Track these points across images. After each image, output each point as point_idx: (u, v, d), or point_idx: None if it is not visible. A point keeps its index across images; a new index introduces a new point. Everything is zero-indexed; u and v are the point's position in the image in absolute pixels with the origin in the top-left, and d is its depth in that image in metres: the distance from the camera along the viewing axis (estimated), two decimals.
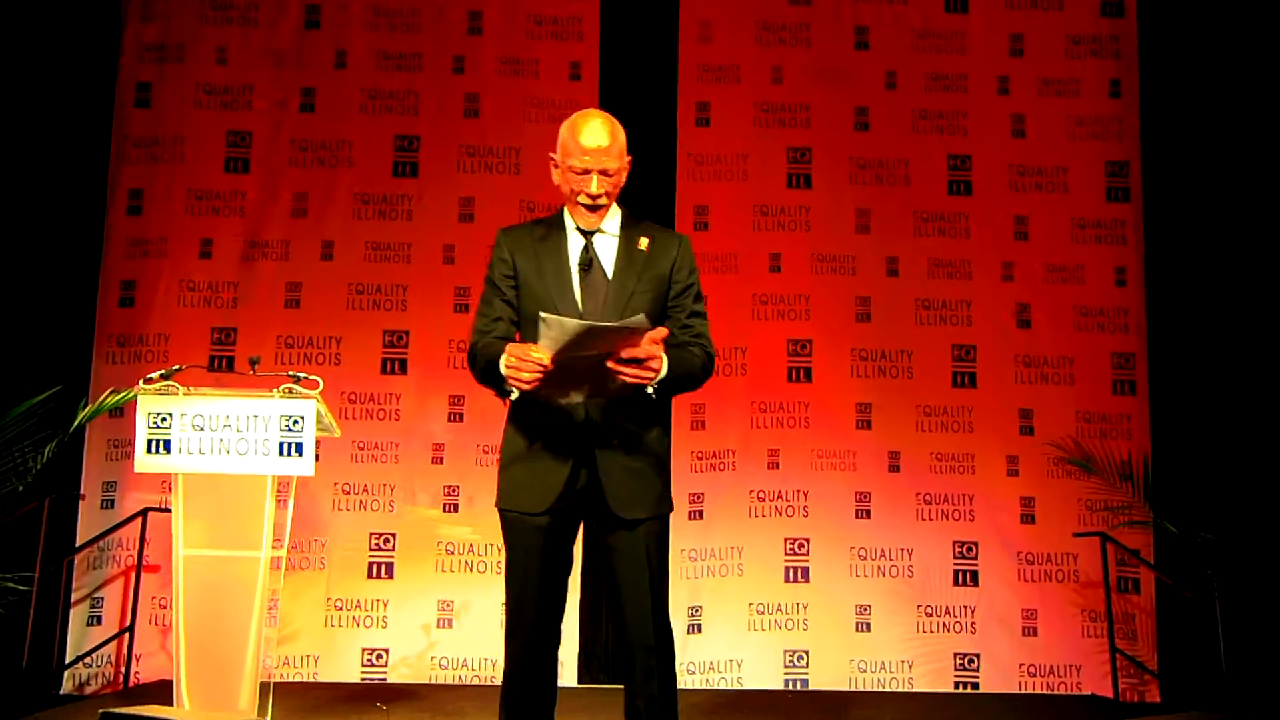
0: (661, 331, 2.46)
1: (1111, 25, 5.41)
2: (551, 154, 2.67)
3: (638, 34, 5.42)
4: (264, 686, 3.45)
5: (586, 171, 2.58)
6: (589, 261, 2.62)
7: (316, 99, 5.37)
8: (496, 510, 2.66)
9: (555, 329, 2.33)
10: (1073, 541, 5.02)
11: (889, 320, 5.23)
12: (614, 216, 2.69)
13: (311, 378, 3.37)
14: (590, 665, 5.04)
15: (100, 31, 5.33)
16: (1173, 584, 4.85)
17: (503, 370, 2.45)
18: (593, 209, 2.62)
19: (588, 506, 2.60)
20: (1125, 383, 5.21)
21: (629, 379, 2.42)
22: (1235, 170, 5.15)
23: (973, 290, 5.25)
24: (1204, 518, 4.60)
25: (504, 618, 2.69)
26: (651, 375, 2.43)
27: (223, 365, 5.12)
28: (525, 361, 2.40)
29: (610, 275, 2.63)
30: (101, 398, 3.93)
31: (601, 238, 2.65)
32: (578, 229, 2.66)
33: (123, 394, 3.86)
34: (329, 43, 5.41)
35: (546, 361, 2.38)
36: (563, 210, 2.72)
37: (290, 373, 3.37)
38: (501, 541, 4.97)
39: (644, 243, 2.67)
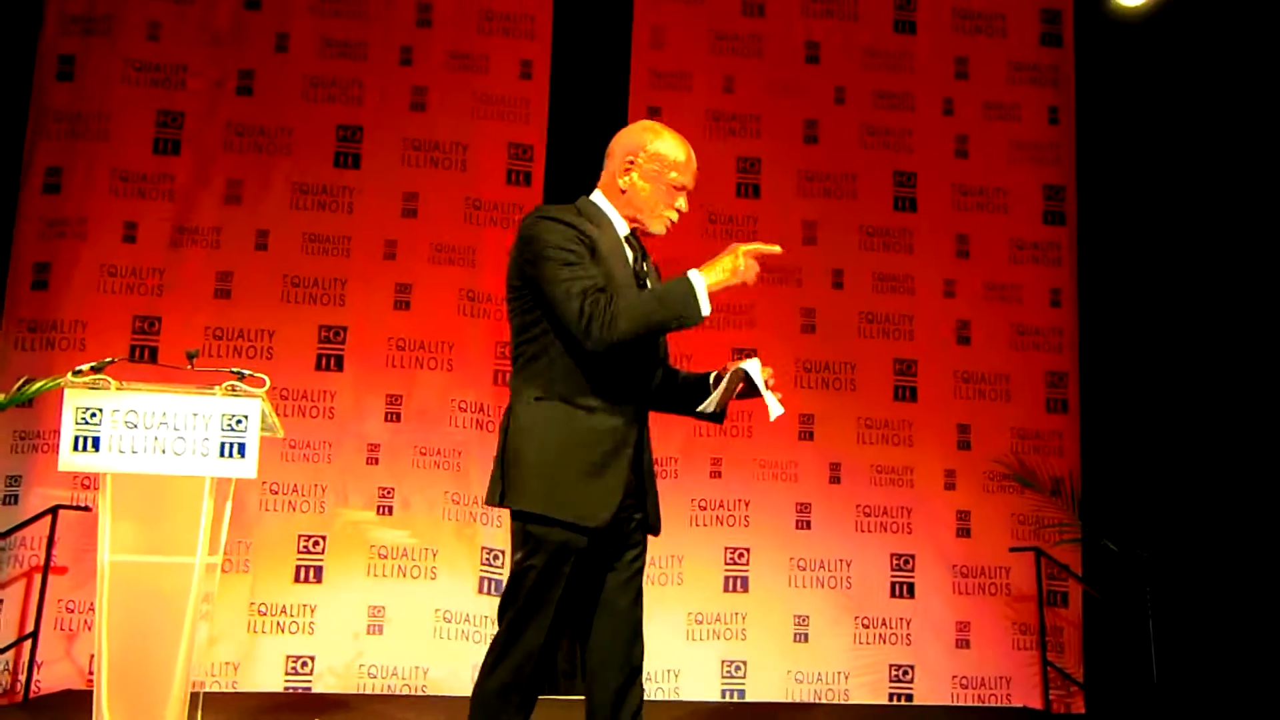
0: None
1: (1051, 55, 5.46)
2: (632, 156, 2.49)
3: (590, 36, 5.25)
4: (192, 697, 3.18)
5: (683, 189, 2.55)
6: (641, 275, 2.54)
7: (255, 82, 5.05)
8: (525, 518, 2.36)
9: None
10: (1005, 555, 5.03)
11: (833, 332, 5.17)
12: None
13: (257, 375, 3.11)
14: None
15: None
16: (1101, 598, 4.90)
17: (737, 269, 2.37)
18: (671, 223, 2.58)
19: (621, 520, 2.43)
20: (1058, 401, 5.25)
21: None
22: (1166, 197, 5.23)
23: (915, 305, 5.23)
24: (1137, 535, 4.66)
25: (506, 633, 2.39)
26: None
27: (145, 355, 4.76)
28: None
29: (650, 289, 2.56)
30: (17, 386, 3.57)
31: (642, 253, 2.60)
32: (628, 237, 2.54)
33: (41, 383, 3.52)
34: (270, 25, 5.09)
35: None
36: (598, 207, 2.53)
37: (234, 369, 3.10)
38: (436, 546, 4.83)
39: (651, 260, 2.66)
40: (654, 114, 5.19)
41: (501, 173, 5.15)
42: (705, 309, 2.33)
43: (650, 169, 2.50)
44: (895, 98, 5.36)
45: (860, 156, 5.30)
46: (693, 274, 2.34)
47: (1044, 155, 5.39)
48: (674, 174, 2.51)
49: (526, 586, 2.35)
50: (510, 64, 5.21)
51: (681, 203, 2.56)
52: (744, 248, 2.35)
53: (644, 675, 2.54)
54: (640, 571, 2.49)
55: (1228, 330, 5.09)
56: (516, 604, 2.36)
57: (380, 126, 5.09)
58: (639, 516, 2.50)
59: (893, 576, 5.02)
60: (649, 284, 2.53)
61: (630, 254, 2.52)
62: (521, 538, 2.38)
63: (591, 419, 2.38)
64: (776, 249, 2.36)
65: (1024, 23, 5.46)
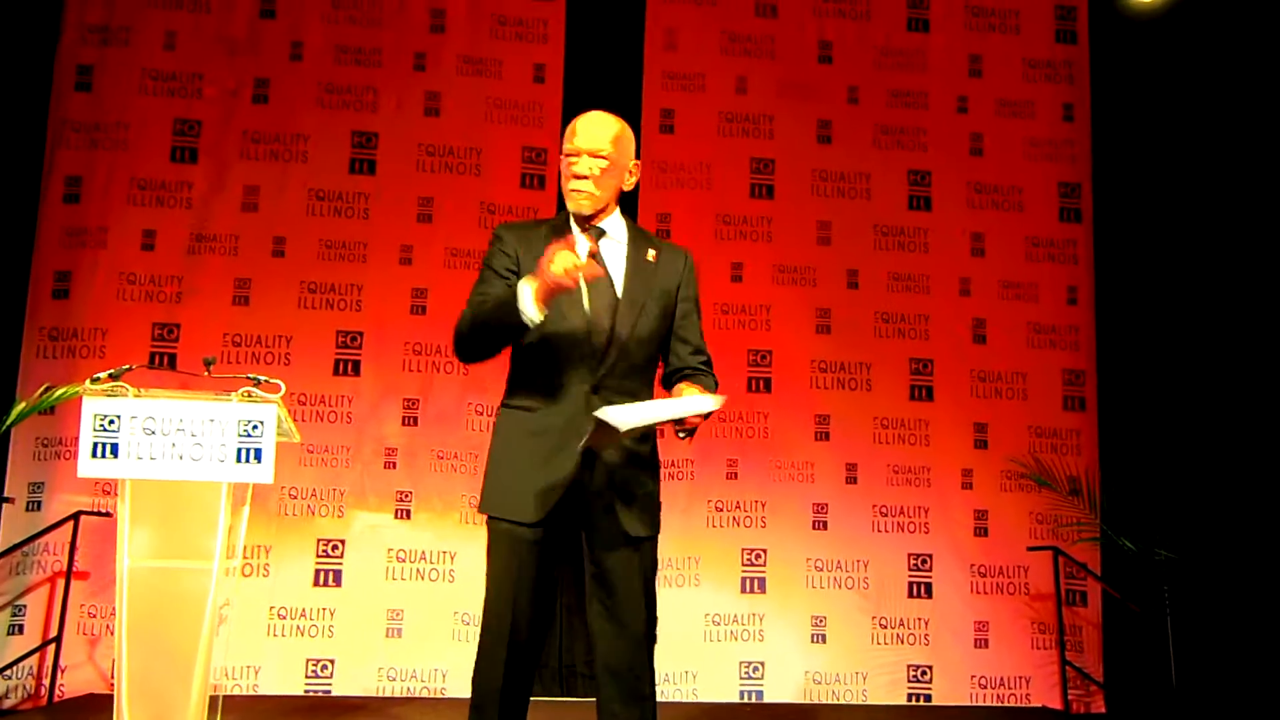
0: (703, 391, 2.32)
1: (1065, 51, 5.40)
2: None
3: (603, 38, 5.23)
4: (212, 700, 3.19)
5: (576, 154, 2.44)
6: (598, 258, 2.44)
7: (270, 90, 5.06)
8: (485, 517, 2.48)
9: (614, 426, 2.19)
10: (1023, 555, 4.97)
11: (849, 332, 5.12)
12: (618, 222, 2.56)
13: (273, 381, 3.11)
14: (542, 676, 4.82)
15: (40, 10, 4.94)
16: (1120, 597, 4.83)
17: (549, 267, 2.21)
18: (575, 193, 2.45)
19: (586, 520, 2.42)
20: (1075, 399, 5.19)
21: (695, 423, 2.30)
22: (1183, 193, 5.17)
23: (931, 305, 5.18)
24: (1155, 534, 4.60)
25: (479, 632, 2.46)
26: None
27: (164, 362, 4.77)
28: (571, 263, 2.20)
29: (620, 286, 2.48)
30: (39, 393, 3.60)
31: (608, 243, 2.50)
32: (584, 230, 2.50)
33: (61, 391, 3.54)
34: (285, 33, 5.09)
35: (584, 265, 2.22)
36: (567, 212, 2.55)
37: (250, 375, 3.10)
38: (455, 549, 4.84)
39: (652, 254, 2.53)
40: (667, 116, 5.20)
41: (515, 176, 5.14)
42: (530, 312, 2.28)
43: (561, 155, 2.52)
44: (909, 96, 5.31)
45: (874, 156, 5.26)
46: (523, 280, 2.32)
47: (1059, 152, 5.32)
48: (565, 145, 2.47)
49: (488, 576, 2.44)
50: (523, 68, 5.19)
51: (578, 167, 2.44)
52: (555, 248, 2.25)
53: (653, 685, 2.49)
54: (638, 575, 2.42)
55: (1247, 326, 5.02)
56: (486, 594, 2.45)
57: (395, 132, 5.09)
58: (617, 520, 2.41)
59: (910, 576, 4.98)
60: (608, 272, 2.45)
61: (584, 242, 2.46)
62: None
63: (532, 419, 2.43)
64: (579, 260, 2.23)
65: (1038, 19, 5.41)
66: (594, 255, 2.39)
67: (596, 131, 2.45)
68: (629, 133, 2.51)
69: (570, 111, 5.14)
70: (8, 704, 4.53)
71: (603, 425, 2.19)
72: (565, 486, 2.38)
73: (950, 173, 5.28)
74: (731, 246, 5.16)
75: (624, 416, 2.19)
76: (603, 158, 2.44)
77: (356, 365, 4.93)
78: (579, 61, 5.20)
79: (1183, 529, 4.66)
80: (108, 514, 4.51)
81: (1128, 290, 5.21)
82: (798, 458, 5.02)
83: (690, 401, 2.25)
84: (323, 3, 5.13)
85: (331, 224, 5.01)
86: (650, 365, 2.54)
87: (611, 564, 2.41)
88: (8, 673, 4.52)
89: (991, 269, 5.24)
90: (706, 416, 2.30)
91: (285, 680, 4.66)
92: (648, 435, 2.48)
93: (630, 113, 5.12)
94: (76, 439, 3.06)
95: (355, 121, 5.08)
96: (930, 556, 5.00)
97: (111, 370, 3.02)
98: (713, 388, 2.45)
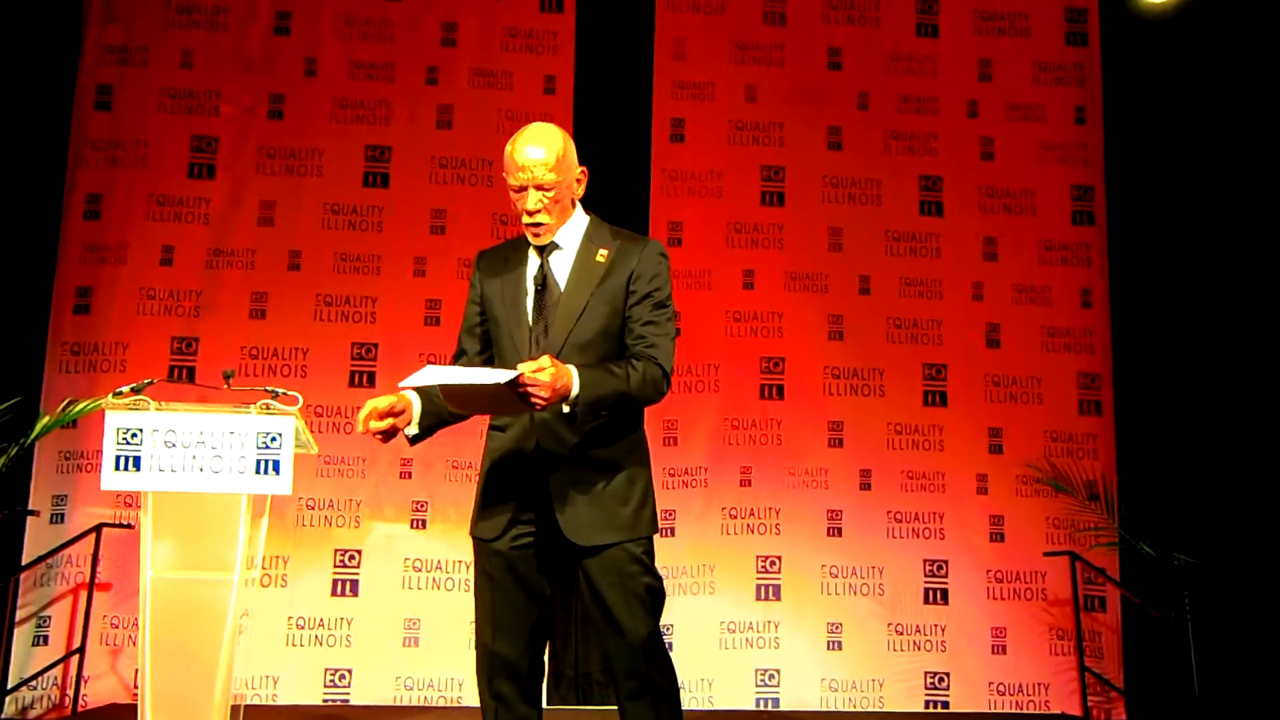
0: (537, 364, 2.25)
1: (1076, 54, 5.45)
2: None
3: (613, 49, 5.34)
4: (233, 710, 3.28)
5: (523, 188, 2.42)
6: (543, 279, 2.48)
7: (285, 106, 5.20)
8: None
9: (442, 389, 2.30)
10: (1041, 560, 5.01)
11: (861, 338, 5.19)
12: (575, 229, 2.51)
13: (290, 393, 3.21)
14: (559, 686, 4.91)
15: (60, 32, 5.10)
16: (1140, 603, 4.85)
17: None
18: (533, 227, 2.45)
19: (550, 533, 2.44)
20: (1091, 403, 5.22)
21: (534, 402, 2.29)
22: (1197, 194, 5.21)
23: (943, 310, 5.24)
24: (1175, 538, 4.62)
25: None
26: (541, 401, 2.25)
27: (183, 376, 4.91)
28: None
29: (561, 295, 2.48)
30: (61, 407, 3.72)
31: (559, 254, 2.49)
32: (536, 247, 2.52)
33: (84, 404, 3.66)
34: (299, 50, 5.24)
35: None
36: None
37: (268, 388, 3.20)
38: (470, 558, 4.93)
39: (602, 255, 2.48)
40: (677, 125, 5.29)
41: None
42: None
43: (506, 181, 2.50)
44: (919, 102, 5.38)
45: (885, 162, 5.33)
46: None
47: (1071, 155, 5.38)
48: (507, 177, 2.45)
49: (474, 590, 2.53)
50: (534, 79, 5.31)
51: (528, 203, 2.42)
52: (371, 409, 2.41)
53: (671, 682, 2.53)
54: (619, 580, 2.41)
55: (1266, 326, 5.04)
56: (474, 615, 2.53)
57: (408, 145, 5.22)
58: (583, 528, 2.42)
59: (926, 582, 5.02)
60: (555, 283, 2.47)
61: (534, 264, 2.50)
62: None
63: (497, 438, 2.50)
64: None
65: (1048, 22, 5.47)
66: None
67: (535, 161, 2.40)
68: (567, 143, 2.46)
69: (581, 122, 5.27)
70: (33, 714, 4.67)
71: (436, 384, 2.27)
72: (518, 503, 2.43)
73: (961, 177, 5.34)
74: (743, 254, 5.23)
75: (437, 375, 2.26)
76: (548, 187, 2.42)
77: (371, 377, 5.04)
78: (589, 72, 5.31)
79: (1203, 533, 4.68)
80: (129, 526, 4.64)
81: (1143, 292, 5.25)
82: (811, 464, 5.09)
83: (485, 372, 2.26)
84: (336, 19, 5.27)
85: (346, 237, 5.13)
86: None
87: (592, 572, 2.43)
88: (33, 683, 4.65)
89: (1004, 273, 5.29)
90: (522, 395, 2.23)
91: (304, 690, 4.77)
92: (612, 438, 2.45)
93: (641, 123, 5.26)
94: (99, 452, 3.17)
95: (369, 135, 5.20)
96: (946, 562, 5.05)
97: (133, 384, 3.13)
98: (634, 376, 2.40)
